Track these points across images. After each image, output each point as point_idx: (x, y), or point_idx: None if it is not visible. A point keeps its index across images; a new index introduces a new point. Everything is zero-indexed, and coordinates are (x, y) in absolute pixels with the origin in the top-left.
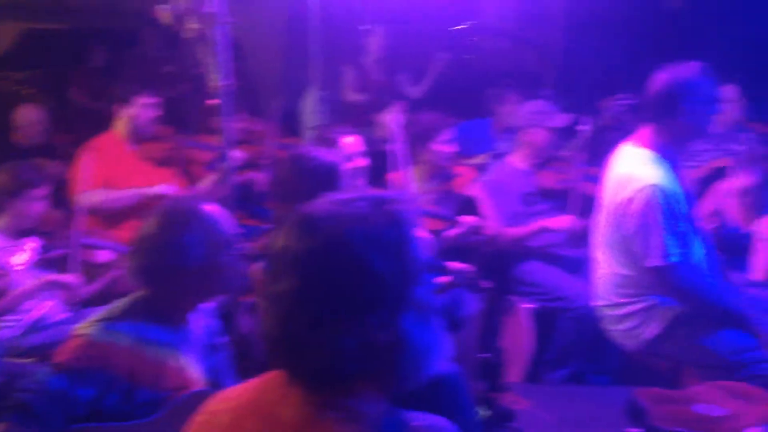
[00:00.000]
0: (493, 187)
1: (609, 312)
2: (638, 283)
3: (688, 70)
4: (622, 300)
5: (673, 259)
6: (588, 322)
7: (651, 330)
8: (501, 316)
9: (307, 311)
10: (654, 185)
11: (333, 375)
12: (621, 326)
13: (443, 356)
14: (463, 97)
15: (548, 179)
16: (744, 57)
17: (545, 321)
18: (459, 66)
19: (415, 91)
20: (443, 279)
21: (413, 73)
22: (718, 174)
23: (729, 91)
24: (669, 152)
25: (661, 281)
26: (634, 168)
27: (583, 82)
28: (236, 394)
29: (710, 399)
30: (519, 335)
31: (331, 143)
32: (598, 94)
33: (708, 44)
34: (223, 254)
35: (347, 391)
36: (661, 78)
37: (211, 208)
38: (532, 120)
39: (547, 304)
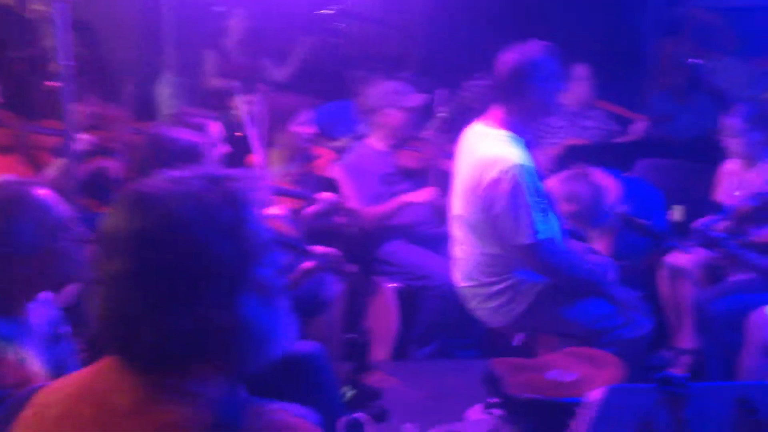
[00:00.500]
0: (353, 169)
1: (476, 291)
2: (505, 262)
3: (532, 49)
4: (489, 279)
5: (542, 236)
6: (452, 299)
7: (518, 306)
8: (366, 297)
9: (139, 293)
10: (519, 165)
11: (167, 357)
12: (489, 305)
13: (290, 338)
14: (329, 80)
15: (407, 159)
16: (595, 37)
17: (410, 299)
18: (324, 49)
19: (280, 74)
20: (307, 264)
21: (277, 56)
22: (572, 152)
23: (580, 71)
24: (521, 130)
25: (531, 258)
26: (495, 149)
27: (446, 64)
28: (68, 384)
29: (562, 365)
30: (384, 315)
31: (193, 128)
32: (461, 75)
33: (562, 25)
34: (58, 241)
35: (184, 374)
36: (508, 58)
37: (43, 192)
38: (386, 101)
39: (411, 283)
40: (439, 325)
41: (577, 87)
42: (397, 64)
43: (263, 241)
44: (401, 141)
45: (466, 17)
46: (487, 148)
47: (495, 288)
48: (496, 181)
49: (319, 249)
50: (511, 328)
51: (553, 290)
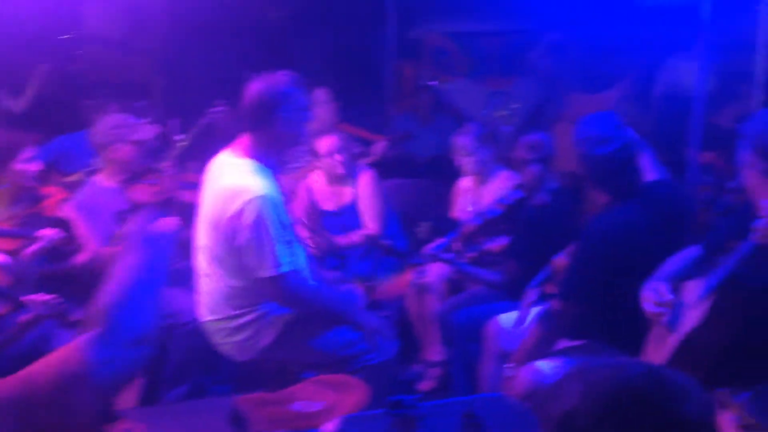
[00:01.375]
0: (85, 208)
1: (222, 325)
2: (251, 294)
3: (280, 79)
4: (235, 312)
5: (285, 268)
6: (201, 335)
7: (265, 338)
8: None
9: None
10: (263, 196)
11: None
12: (235, 338)
13: None
14: (68, 110)
15: (142, 194)
16: (335, 62)
17: (157, 340)
18: (63, 77)
19: (15, 105)
20: (25, 316)
21: (11, 86)
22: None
23: (321, 95)
24: (268, 160)
25: (275, 291)
26: (239, 179)
27: (191, 90)
28: None
29: (308, 396)
30: None
31: None
32: (206, 102)
33: (303, 50)
34: None
35: None
36: (255, 88)
37: None
38: (114, 136)
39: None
40: (191, 364)
41: (319, 111)
42: (140, 91)
43: None
44: (133, 175)
45: (208, 43)
46: (232, 178)
47: (240, 321)
48: (239, 213)
49: (38, 298)
50: (260, 362)
51: (300, 321)
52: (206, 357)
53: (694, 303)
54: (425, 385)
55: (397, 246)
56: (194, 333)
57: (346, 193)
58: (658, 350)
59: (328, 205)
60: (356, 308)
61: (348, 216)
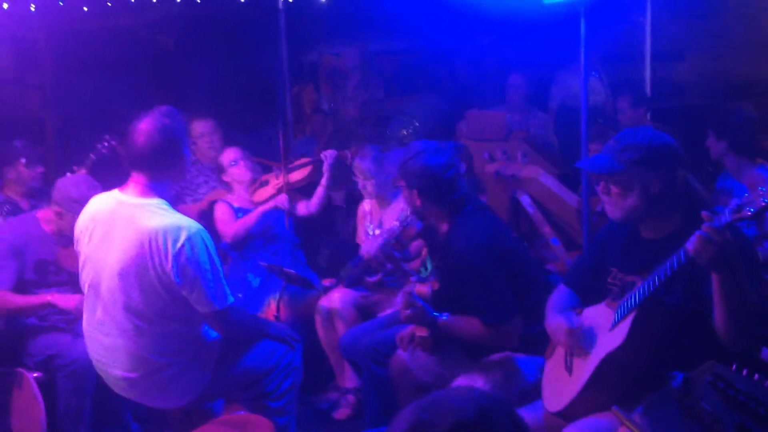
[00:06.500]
0: None
1: (151, 379)
2: (183, 336)
3: (167, 116)
4: (166, 360)
5: (231, 299)
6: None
7: (202, 380)
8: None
9: None
10: (199, 230)
11: None
12: (170, 387)
13: None
14: None
15: None
16: (229, 90)
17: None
18: None
19: None
20: None
21: None
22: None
23: (206, 126)
24: (167, 196)
25: (225, 322)
26: (165, 219)
27: (85, 125)
28: None
29: None
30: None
31: None
32: (99, 135)
33: (195, 80)
34: None
35: None
36: (145, 128)
37: None
38: None
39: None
40: (83, 406)
41: (203, 142)
42: (38, 127)
43: None
44: None
45: (107, 73)
46: (156, 218)
47: (174, 368)
48: (181, 251)
49: None
50: (200, 402)
51: (226, 349)
52: (97, 399)
53: (608, 326)
54: (341, 413)
55: (302, 273)
56: (81, 373)
57: None
58: (566, 372)
59: None
60: (269, 322)
61: None
